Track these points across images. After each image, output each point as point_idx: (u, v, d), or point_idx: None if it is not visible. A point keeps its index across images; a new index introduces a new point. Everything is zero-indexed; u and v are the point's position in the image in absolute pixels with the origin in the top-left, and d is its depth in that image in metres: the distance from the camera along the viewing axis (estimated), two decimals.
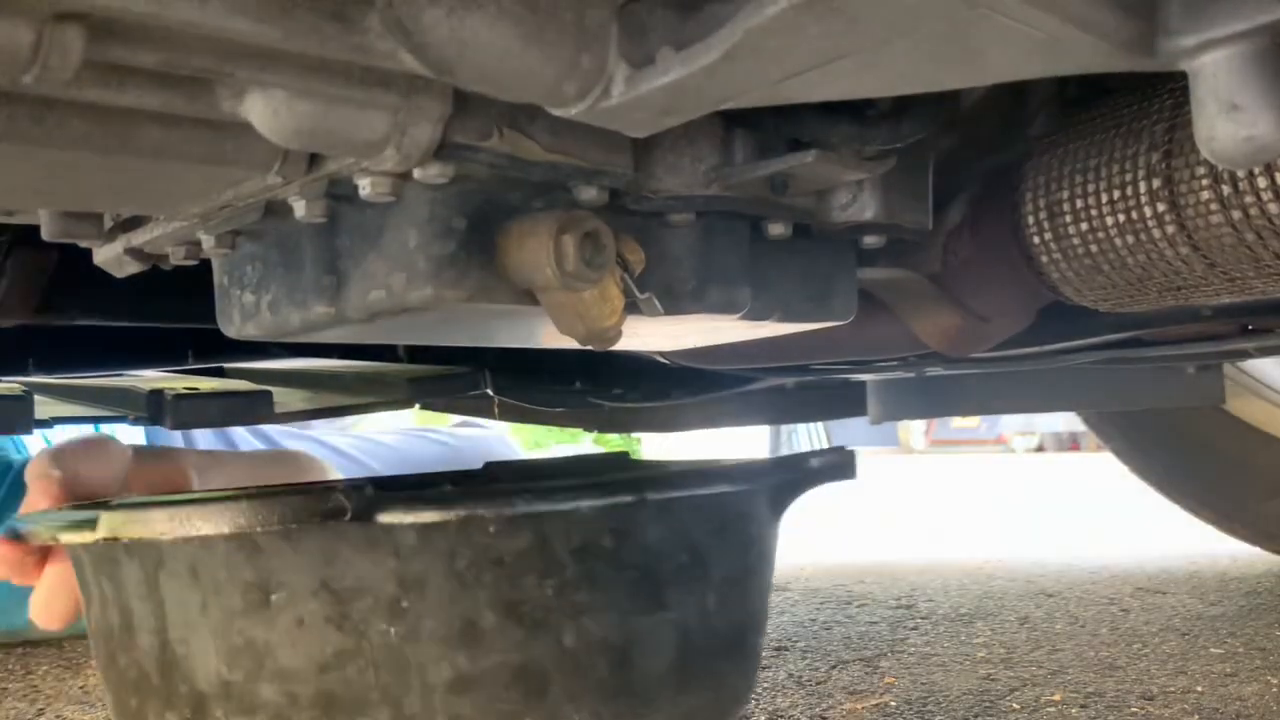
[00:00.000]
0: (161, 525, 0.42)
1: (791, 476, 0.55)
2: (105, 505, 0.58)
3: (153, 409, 0.87)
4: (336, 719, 0.42)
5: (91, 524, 0.44)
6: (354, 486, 0.44)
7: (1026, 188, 0.56)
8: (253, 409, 0.90)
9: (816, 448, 0.55)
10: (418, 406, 1.10)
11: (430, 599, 0.41)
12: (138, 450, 0.74)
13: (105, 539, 0.44)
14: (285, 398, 0.99)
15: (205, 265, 0.51)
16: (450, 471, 0.73)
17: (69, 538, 0.48)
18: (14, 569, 0.63)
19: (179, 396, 0.86)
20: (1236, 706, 0.82)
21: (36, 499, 0.64)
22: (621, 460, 0.75)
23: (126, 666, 0.46)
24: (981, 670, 0.97)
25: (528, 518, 0.43)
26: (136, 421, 0.93)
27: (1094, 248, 0.53)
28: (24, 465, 0.98)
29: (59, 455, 0.67)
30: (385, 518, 0.41)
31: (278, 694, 0.42)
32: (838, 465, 0.56)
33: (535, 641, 0.42)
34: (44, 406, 0.90)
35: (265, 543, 0.42)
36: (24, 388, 0.84)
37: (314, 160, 0.41)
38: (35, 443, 1.25)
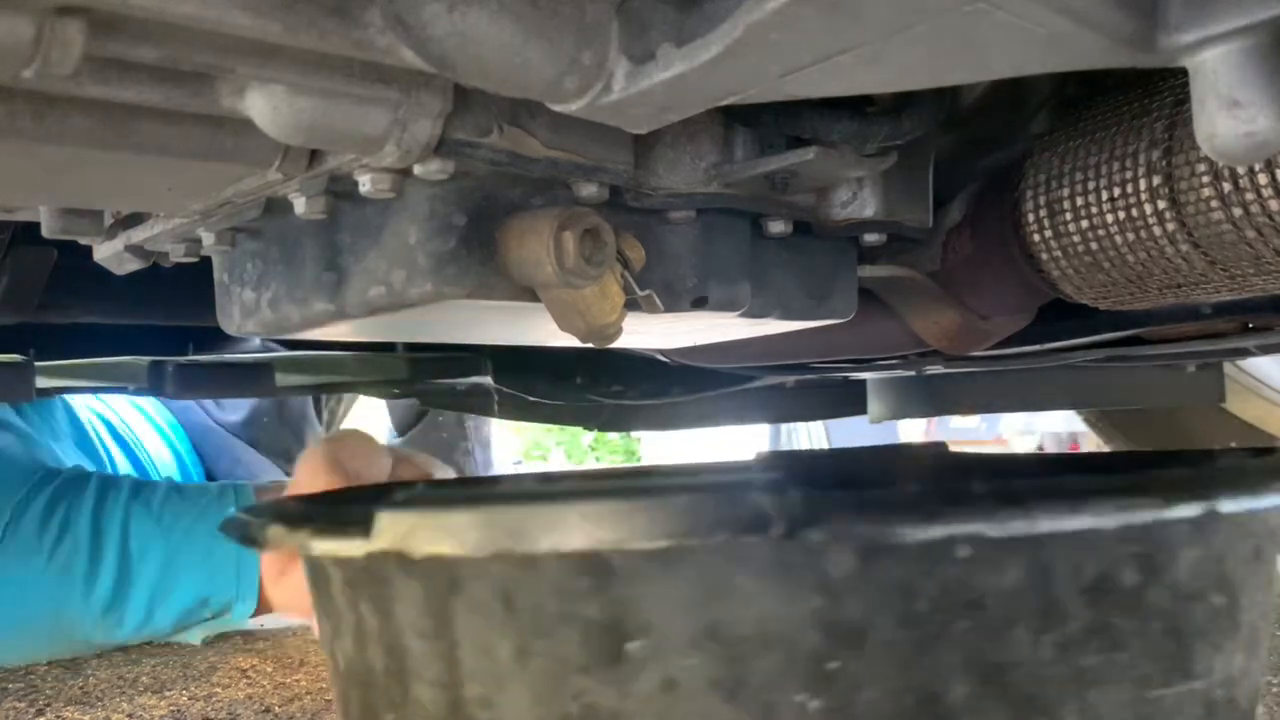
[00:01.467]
0: (467, 534, 0.29)
1: None
2: (373, 498, 0.45)
3: (154, 379, 0.87)
4: None
5: (357, 526, 0.31)
6: (773, 486, 0.32)
7: (1026, 185, 0.56)
8: (254, 381, 0.90)
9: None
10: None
11: (872, 657, 0.29)
12: (393, 449, 0.68)
13: (378, 552, 0.30)
14: (285, 375, 0.98)
15: (206, 262, 0.51)
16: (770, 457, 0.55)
17: (321, 546, 0.33)
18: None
19: (180, 368, 0.85)
20: None
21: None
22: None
23: None
24: None
25: (1020, 541, 0.30)
26: (137, 392, 0.93)
27: (1094, 245, 0.53)
28: (73, 470, 0.97)
29: (337, 450, 0.61)
30: (817, 534, 0.28)
31: None
32: None
33: None
34: (45, 376, 0.89)
35: (623, 565, 0.29)
36: (24, 356, 0.82)
37: (314, 156, 0.41)
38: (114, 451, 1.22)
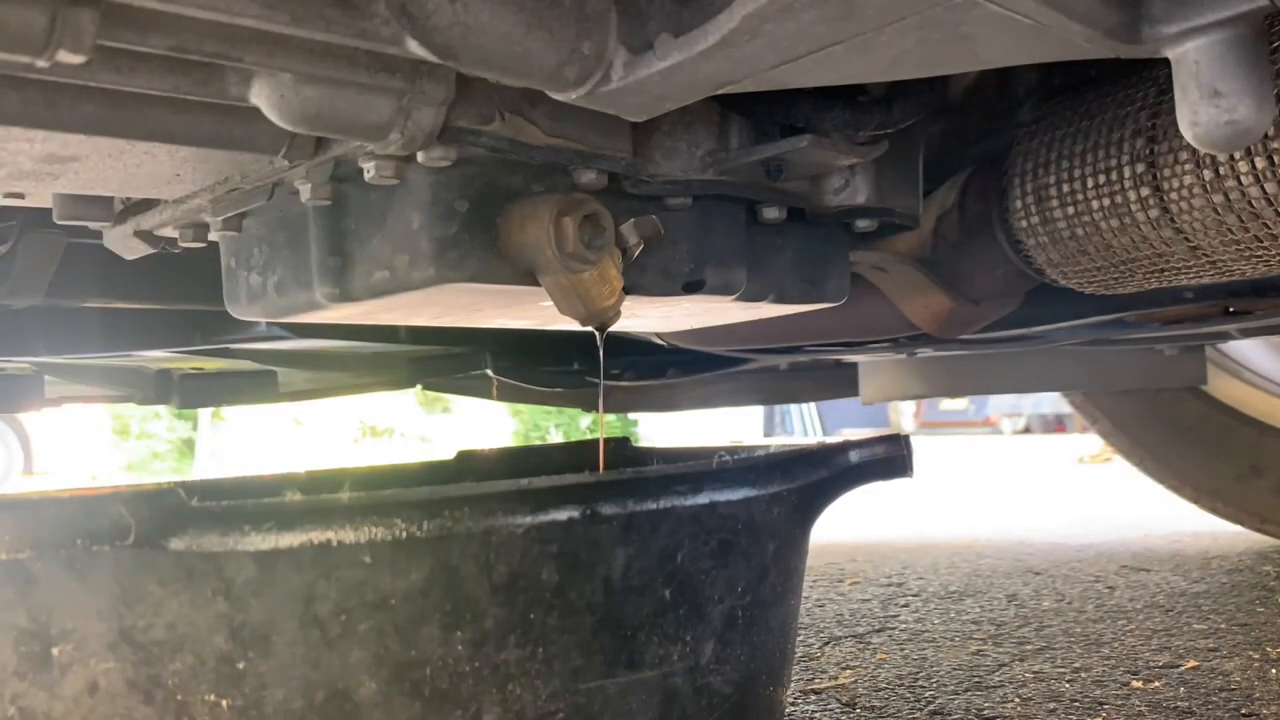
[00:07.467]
0: None
1: (823, 475, 0.41)
2: None
3: (160, 389, 0.88)
4: None
5: None
6: (161, 490, 0.31)
7: (1014, 173, 0.57)
8: (258, 388, 0.91)
9: (865, 436, 0.43)
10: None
11: (279, 657, 0.29)
12: None
13: None
14: (288, 378, 0.99)
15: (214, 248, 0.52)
16: (418, 464, 0.59)
17: None
18: None
19: (185, 377, 0.87)
20: (1220, 681, 0.84)
21: None
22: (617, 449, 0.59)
23: None
24: (971, 646, 0.99)
25: (424, 542, 0.30)
26: (144, 401, 0.94)
27: (1079, 230, 0.54)
28: None
29: None
30: (195, 541, 0.29)
31: None
32: (885, 461, 0.42)
33: None
34: (53, 387, 0.91)
35: (42, 572, 0.30)
36: (34, 367, 0.84)
37: (319, 144, 0.42)
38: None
